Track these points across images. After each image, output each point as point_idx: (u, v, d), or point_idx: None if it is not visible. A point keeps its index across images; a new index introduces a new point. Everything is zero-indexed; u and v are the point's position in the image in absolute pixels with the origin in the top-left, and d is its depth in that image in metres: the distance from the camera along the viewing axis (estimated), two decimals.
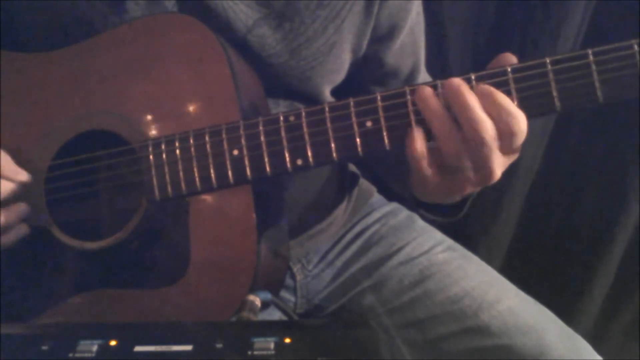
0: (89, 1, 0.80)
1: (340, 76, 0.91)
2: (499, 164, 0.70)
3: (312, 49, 0.85)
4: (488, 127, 0.67)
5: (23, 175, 0.78)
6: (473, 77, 0.69)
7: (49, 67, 0.81)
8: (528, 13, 1.32)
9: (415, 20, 0.94)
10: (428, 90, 0.69)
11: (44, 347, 0.56)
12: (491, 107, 0.67)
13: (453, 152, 0.69)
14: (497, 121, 0.67)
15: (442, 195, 0.77)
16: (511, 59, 0.70)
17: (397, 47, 0.94)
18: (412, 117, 0.70)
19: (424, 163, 0.70)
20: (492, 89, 0.67)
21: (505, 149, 0.69)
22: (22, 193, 0.78)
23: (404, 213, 1.11)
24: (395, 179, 1.04)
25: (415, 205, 0.88)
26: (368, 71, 0.95)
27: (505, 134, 0.67)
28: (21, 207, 0.77)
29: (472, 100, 0.67)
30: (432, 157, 0.70)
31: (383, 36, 0.91)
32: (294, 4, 0.83)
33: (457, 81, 0.68)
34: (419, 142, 0.69)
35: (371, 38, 0.90)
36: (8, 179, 0.77)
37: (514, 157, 0.71)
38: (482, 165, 0.69)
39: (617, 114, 1.37)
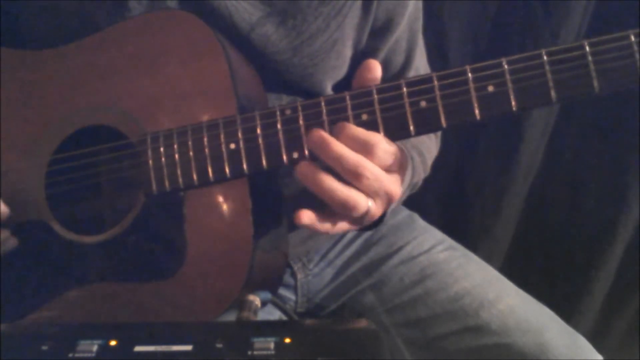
0: (92, 0, 0.81)
1: (342, 72, 0.91)
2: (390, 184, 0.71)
3: (314, 46, 0.85)
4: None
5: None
6: (469, 68, 0.69)
7: (49, 64, 0.82)
8: (528, 13, 1.32)
9: (413, 16, 0.94)
10: (323, 135, 0.70)
11: (44, 347, 0.56)
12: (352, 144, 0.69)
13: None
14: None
15: None
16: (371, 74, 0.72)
17: (392, 42, 0.93)
18: (408, 107, 0.70)
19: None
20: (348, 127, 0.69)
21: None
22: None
23: (404, 212, 1.11)
24: None
25: None
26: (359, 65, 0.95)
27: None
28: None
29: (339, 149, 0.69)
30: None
31: (379, 30, 0.91)
32: (297, 1, 0.83)
33: (318, 135, 0.70)
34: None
35: (369, 32, 0.90)
36: None
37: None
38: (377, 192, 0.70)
39: (617, 114, 1.37)
